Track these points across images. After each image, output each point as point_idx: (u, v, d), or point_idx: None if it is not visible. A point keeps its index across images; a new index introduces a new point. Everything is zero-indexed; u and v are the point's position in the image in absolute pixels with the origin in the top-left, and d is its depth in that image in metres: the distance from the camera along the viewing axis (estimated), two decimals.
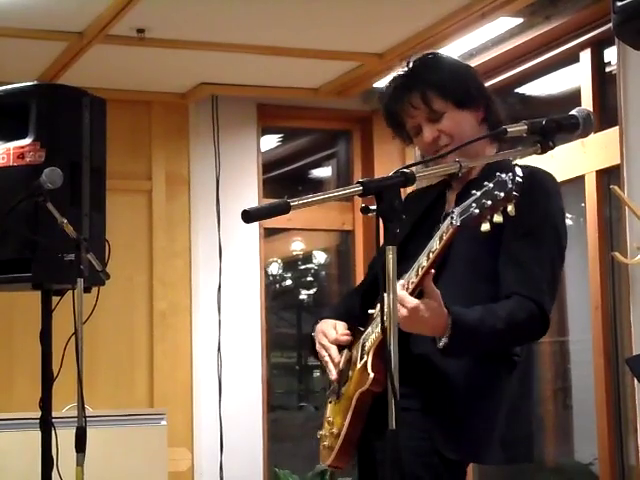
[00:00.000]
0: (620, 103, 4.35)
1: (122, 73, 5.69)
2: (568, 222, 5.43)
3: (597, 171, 4.77)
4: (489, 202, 2.08)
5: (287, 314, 7.25)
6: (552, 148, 2.13)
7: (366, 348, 2.60)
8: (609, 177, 4.71)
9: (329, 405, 2.73)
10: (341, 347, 2.71)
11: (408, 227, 2.66)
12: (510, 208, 2.07)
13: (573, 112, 2.17)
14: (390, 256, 1.89)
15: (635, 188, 4.26)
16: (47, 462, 3.54)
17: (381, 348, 2.51)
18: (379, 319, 2.52)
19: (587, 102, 4.80)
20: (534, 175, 2.59)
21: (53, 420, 3.57)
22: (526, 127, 2.10)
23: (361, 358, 2.61)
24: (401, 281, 2.42)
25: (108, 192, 3.80)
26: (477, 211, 2.11)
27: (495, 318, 2.45)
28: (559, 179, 4.97)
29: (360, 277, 6.45)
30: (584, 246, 4.85)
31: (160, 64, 5.57)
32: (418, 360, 2.53)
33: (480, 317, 2.44)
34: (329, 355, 2.69)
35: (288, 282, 7.22)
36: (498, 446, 2.55)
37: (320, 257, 7.16)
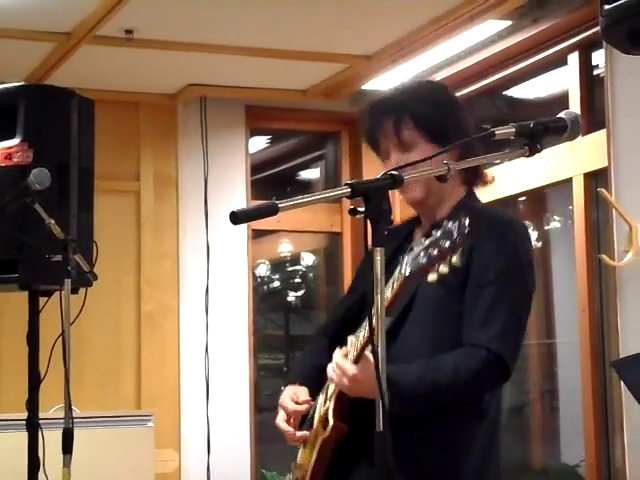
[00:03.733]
0: (608, 106, 4.36)
1: (110, 74, 5.68)
2: (556, 225, 5.48)
3: (585, 174, 4.78)
4: (435, 252, 2.05)
5: (275, 316, 7.25)
6: (540, 151, 2.12)
7: (329, 393, 2.58)
8: (597, 180, 4.72)
9: (299, 450, 2.72)
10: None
11: (360, 291, 2.67)
12: (455, 259, 2.04)
13: (561, 115, 2.17)
14: (378, 258, 1.88)
15: (622, 191, 4.27)
16: (34, 463, 3.53)
17: (343, 394, 2.50)
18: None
19: (575, 105, 4.81)
20: (505, 221, 2.59)
21: (40, 421, 3.57)
22: (514, 130, 2.09)
23: (324, 403, 2.60)
24: (341, 350, 2.42)
25: (96, 193, 3.80)
26: (425, 260, 2.08)
27: (437, 373, 2.42)
28: (547, 182, 5.05)
29: (348, 278, 6.45)
30: (571, 249, 4.86)
31: (148, 65, 5.57)
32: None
33: (419, 374, 2.41)
34: (289, 435, 2.68)
35: (276, 284, 7.22)
36: None
37: (308, 259, 7.16)
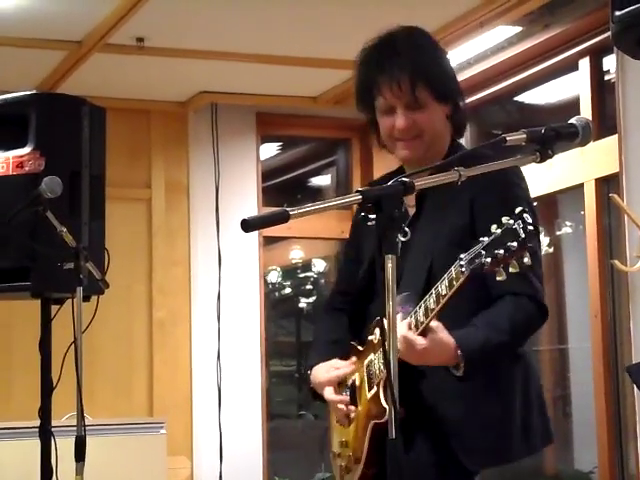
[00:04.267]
0: (619, 111, 4.35)
1: (121, 82, 5.69)
2: (567, 230, 5.47)
3: (596, 179, 4.77)
4: (501, 252, 2.07)
5: (286, 322, 7.26)
6: (551, 157, 2.12)
7: (373, 378, 2.59)
8: (608, 185, 4.72)
9: (337, 427, 2.72)
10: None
11: (367, 262, 2.67)
12: (526, 259, 2.07)
13: (572, 121, 2.17)
14: (389, 265, 1.88)
15: (634, 196, 4.26)
16: (46, 471, 3.53)
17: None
18: (381, 350, 2.53)
19: (586, 110, 4.80)
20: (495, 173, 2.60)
21: (52, 429, 3.56)
22: (525, 136, 2.09)
23: (369, 387, 2.60)
24: (406, 320, 2.41)
25: (107, 200, 3.80)
26: (489, 260, 2.10)
27: (500, 333, 2.45)
28: (558, 187, 5.04)
29: None
30: (583, 254, 4.85)
31: (159, 73, 5.58)
32: (422, 375, 2.53)
33: (485, 337, 2.43)
34: (343, 406, 2.67)
35: (287, 290, 7.22)
36: (518, 440, 2.57)
37: (319, 265, 7.16)
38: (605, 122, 4.74)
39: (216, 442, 5.99)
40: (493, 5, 4.58)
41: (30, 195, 3.39)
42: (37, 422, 3.59)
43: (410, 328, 2.40)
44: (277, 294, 7.18)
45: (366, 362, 2.64)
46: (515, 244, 2.06)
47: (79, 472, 3.34)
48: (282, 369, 7.19)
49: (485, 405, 2.56)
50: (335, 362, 2.72)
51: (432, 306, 2.36)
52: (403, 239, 2.56)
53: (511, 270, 2.09)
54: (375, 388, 2.57)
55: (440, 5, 4.65)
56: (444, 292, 2.31)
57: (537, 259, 2.56)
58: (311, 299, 7.26)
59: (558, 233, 5.63)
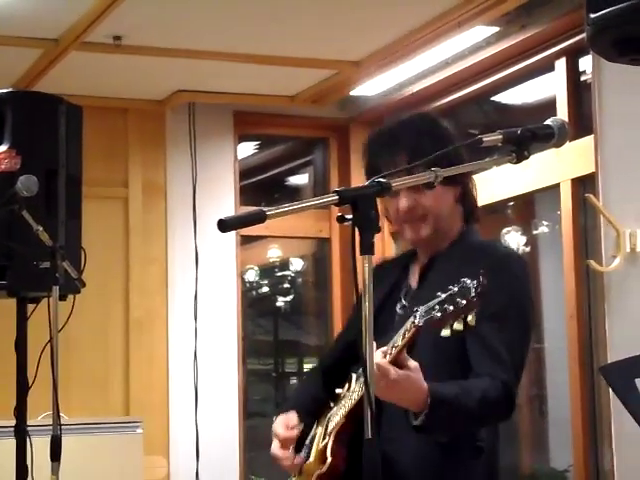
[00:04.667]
0: (595, 111, 4.37)
1: (98, 80, 5.67)
2: (544, 230, 5.49)
3: (572, 179, 4.79)
4: (451, 308, 2.08)
5: (264, 321, 7.25)
6: (527, 157, 2.13)
7: (329, 429, 2.59)
8: (584, 185, 4.74)
9: (292, 479, 2.72)
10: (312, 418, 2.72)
11: (376, 304, 2.64)
12: (470, 318, 2.07)
13: (548, 122, 2.17)
14: (366, 265, 1.88)
15: (610, 196, 4.28)
16: (22, 471, 3.52)
17: (342, 433, 2.52)
18: (344, 401, 2.57)
19: (562, 110, 4.83)
20: (503, 256, 2.60)
21: (28, 428, 3.56)
22: (501, 137, 2.10)
23: (323, 438, 2.60)
24: (382, 349, 2.37)
25: (84, 199, 3.80)
26: (439, 315, 2.11)
27: (469, 398, 2.41)
28: (534, 187, 5.07)
29: (336, 284, 6.46)
30: (559, 254, 4.87)
31: (137, 71, 5.57)
32: (384, 445, 2.49)
33: (456, 396, 2.39)
34: (286, 459, 2.69)
35: (265, 289, 7.21)
36: None
37: (297, 264, 7.16)
38: (581, 122, 4.76)
39: (193, 441, 5.98)
40: (471, 5, 4.59)
41: (6, 194, 3.38)
42: (12, 421, 3.58)
43: (384, 357, 2.37)
44: (254, 293, 7.17)
45: (328, 415, 2.64)
46: (464, 302, 2.06)
47: (54, 472, 3.33)
48: (259, 368, 7.18)
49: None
50: (292, 418, 2.70)
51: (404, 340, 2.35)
52: (400, 312, 2.60)
53: (455, 327, 2.09)
54: (326, 439, 2.57)
55: (418, 5, 4.66)
56: (398, 342, 2.30)
57: (520, 353, 2.54)
58: (289, 298, 7.25)
59: (534, 233, 5.65)
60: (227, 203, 6.19)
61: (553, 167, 4.84)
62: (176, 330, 6.09)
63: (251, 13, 4.75)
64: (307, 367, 7.14)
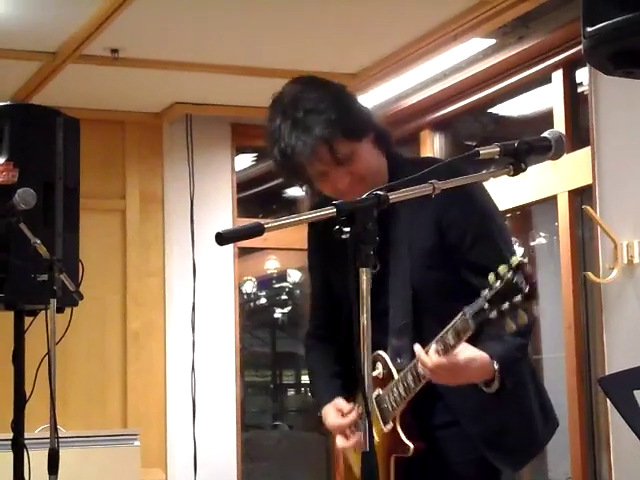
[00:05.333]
0: (592, 123, 4.38)
1: (96, 93, 5.68)
2: (541, 241, 5.49)
3: (569, 191, 4.80)
4: (506, 305, 2.08)
5: (261, 333, 7.26)
6: (524, 170, 2.14)
7: (386, 413, 2.60)
8: (581, 197, 4.74)
9: (352, 455, 2.76)
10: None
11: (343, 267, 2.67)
12: (534, 309, 2.10)
13: (545, 134, 2.18)
14: (364, 278, 1.89)
15: (607, 208, 4.29)
16: None
17: (403, 417, 2.57)
18: (395, 384, 2.57)
19: (559, 122, 4.84)
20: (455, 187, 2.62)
21: (25, 441, 3.55)
22: (498, 149, 2.10)
23: (384, 422, 2.61)
24: (433, 347, 2.40)
25: (82, 212, 3.79)
26: (494, 314, 2.11)
27: (512, 340, 2.45)
28: (532, 199, 5.07)
29: None
30: (557, 266, 4.87)
31: (134, 84, 5.58)
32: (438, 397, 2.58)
33: (506, 346, 2.45)
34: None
35: (262, 301, 7.22)
36: (542, 425, 2.68)
37: (294, 276, 7.16)
38: (578, 134, 4.77)
39: (190, 453, 5.97)
40: (467, 18, 4.60)
41: (3, 206, 3.38)
42: (10, 434, 3.58)
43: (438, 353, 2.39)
44: (252, 304, 7.18)
45: (374, 396, 2.63)
46: (519, 298, 2.05)
47: None
48: (257, 379, 7.19)
49: (505, 408, 2.57)
50: (340, 404, 2.72)
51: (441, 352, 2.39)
52: (373, 271, 2.60)
53: (519, 321, 2.10)
54: (391, 423, 2.59)
55: (415, 17, 4.67)
56: (452, 342, 2.34)
57: (507, 243, 2.62)
58: (286, 309, 7.25)
59: (532, 244, 5.66)
60: (225, 215, 6.19)
61: (550, 179, 4.85)
62: (174, 342, 6.09)
63: (248, 26, 4.76)
64: (305, 379, 7.13)
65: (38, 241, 3.34)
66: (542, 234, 5.59)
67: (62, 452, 3.36)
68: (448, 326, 2.32)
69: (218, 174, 6.24)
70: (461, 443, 2.61)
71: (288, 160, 2.62)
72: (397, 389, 2.56)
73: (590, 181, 4.42)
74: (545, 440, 2.75)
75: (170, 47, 5.04)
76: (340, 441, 2.73)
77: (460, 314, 2.25)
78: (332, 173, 2.59)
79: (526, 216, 5.60)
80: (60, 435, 3.38)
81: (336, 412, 2.72)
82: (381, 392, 2.63)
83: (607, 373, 4.14)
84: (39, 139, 3.68)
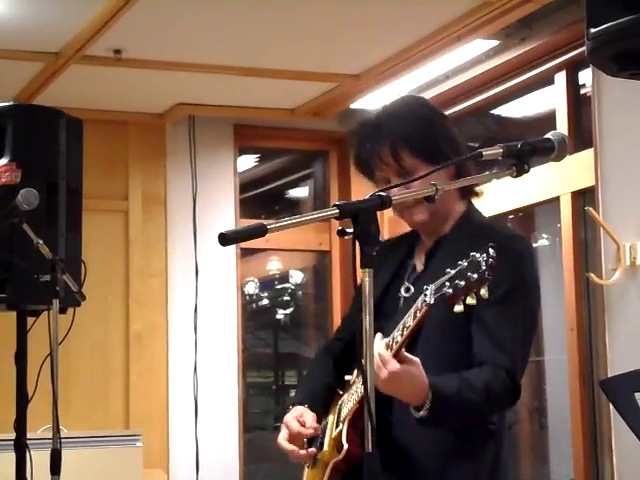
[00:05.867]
0: (595, 125, 4.38)
1: (99, 93, 5.68)
2: (544, 242, 5.49)
3: (572, 192, 4.80)
4: (462, 283, 2.09)
5: (264, 334, 7.25)
6: (527, 171, 2.13)
7: (342, 416, 2.59)
8: (584, 198, 4.74)
9: (306, 469, 2.72)
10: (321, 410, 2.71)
11: (381, 286, 2.64)
12: (483, 291, 2.09)
13: (548, 135, 2.18)
14: (366, 279, 1.88)
15: (610, 210, 4.29)
16: None
17: (356, 419, 2.50)
18: (355, 387, 2.56)
19: (562, 124, 4.83)
20: (509, 236, 2.59)
21: (28, 442, 3.55)
22: (502, 150, 2.10)
23: (337, 425, 2.60)
24: (384, 340, 2.38)
25: (84, 212, 3.79)
26: (450, 291, 2.12)
27: (472, 391, 2.41)
28: (535, 200, 5.07)
29: (336, 296, 6.46)
30: (559, 267, 4.87)
31: (137, 84, 5.58)
32: (396, 430, 2.52)
33: (458, 389, 2.40)
34: (292, 453, 2.67)
35: (265, 302, 7.21)
36: None
37: (297, 277, 7.16)
38: (581, 136, 4.77)
39: (192, 454, 5.97)
40: (470, 19, 4.60)
41: (6, 207, 3.38)
42: (12, 435, 3.58)
43: (387, 348, 2.37)
44: (254, 305, 7.17)
45: (339, 402, 2.64)
46: (475, 276, 2.07)
47: None
48: (259, 381, 7.18)
49: (454, 466, 2.52)
50: (307, 417, 2.68)
51: (398, 339, 2.35)
52: (406, 295, 2.57)
53: (468, 301, 2.10)
54: (340, 426, 2.57)
55: (418, 18, 4.67)
56: (408, 324, 2.31)
57: (524, 337, 2.54)
58: (288, 310, 7.25)
59: (534, 245, 5.65)
60: (227, 216, 6.19)
61: (553, 180, 4.85)
62: (176, 343, 6.09)
63: (251, 27, 4.76)
64: None
65: (41, 241, 3.35)
66: (545, 235, 5.59)
67: (64, 452, 3.36)
68: (411, 308, 2.31)
69: (221, 175, 6.24)
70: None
71: (360, 154, 2.68)
72: (355, 390, 2.56)
73: (593, 183, 4.42)
74: None
75: (173, 48, 5.04)
76: (283, 439, 2.66)
77: (423, 292, 2.24)
78: (393, 181, 2.60)
79: (529, 217, 5.60)
80: (62, 435, 3.38)
81: (298, 415, 2.68)
82: (345, 396, 2.62)
83: (609, 375, 4.14)
84: (42, 139, 3.68)
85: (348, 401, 2.60)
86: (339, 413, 2.62)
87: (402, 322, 2.34)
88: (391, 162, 2.60)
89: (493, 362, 2.46)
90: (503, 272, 2.36)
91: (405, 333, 2.32)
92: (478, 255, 2.09)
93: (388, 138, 2.60)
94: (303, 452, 2.63)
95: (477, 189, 2.72)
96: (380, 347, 2.37)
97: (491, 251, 2.08)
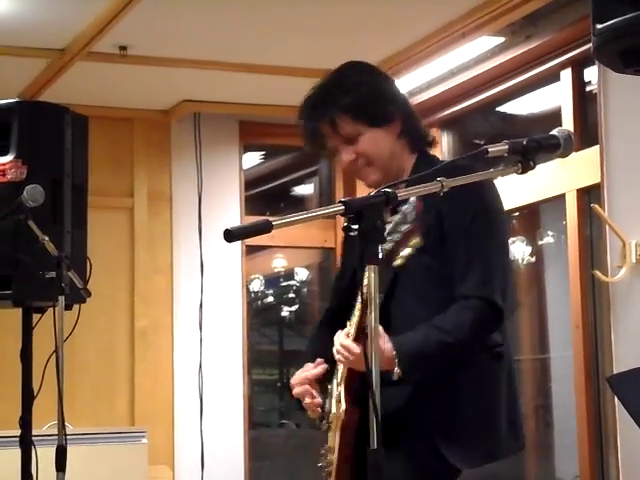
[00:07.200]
0: (600, 122, 4.37)
1: (104, 90, 5.69)
2: (549, 240, 5.49)
3: (578, 190, 4.79)
4: (398, 236, 2.15)
5: (269, 331, 7.25)
6: (532, 168, 2.13)
7: (339, 379, 2.65)
8: (590, 196, 4.73)
9: (329, 434, 2.76)
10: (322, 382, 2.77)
11: (351, 269, 2.72)
12: (414, 241, 2.16)
13: (554, 132, 2.17)
14: (372, 275, 1.88)
15: (615, 207, 4.28)
16: None
17: (347, 379, 2.60)
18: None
19: (568, 121, 4.83)
20: (462, 170, 2.61)
21: (33, 438, 3.55)
22: (507, 147, 2.10)
23: (337, 387, 2.67)
24: (344, 331, 2.51)
25: (90, 209, 3.80)
26: (389, 246, 2.19)
27: (439, 332, 2.50)
28: (540, 197, 5.06)
29: None
30: (565, 264, 4.86)
31: (142, 81, 5.58)
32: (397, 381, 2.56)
33: (424, 338, 2.49)
34: (308, 401, 2.73)
35: (270, 299, 7.22)
36: (506, 437, 2.63)
37: (302, 274, 7.16)
38: (587, 133, 4.76)
39: (198, 451, 5.98)
40: (475, 16, 4.60)
41: (12, 203, 3.38)
42: (18, 431, 3.58)
43: (348, 336, 2.49)
44: (260, 303, 7.17)
45: (338, 367, 2.69)
46: (405, 227, 2.13)
47: None
48: (264, 378, 7.19)
49: (467, 405, 2.58)
50: (306, 366, 2.77)
51: (354, 320, 2.47)
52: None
53: (404, 253, 2.17)
54: (338, 388, 2.64)
55: (423, 15, 4.66)
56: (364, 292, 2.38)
57: (497, 259, 2.62)
58: (294, 307, 7.25)
59: (540, 243, 5.65)
60: (232, 213, 6.19)
61: (558, 177, 4.84)
62: (181, 340, 6.09)
63: (256, 23, 4.76)
64: None
65: (46, 238, 3.35)
66: (550, 233, 5.58)
67: (69, 449, 3.37)
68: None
69: (226, 172, 6.24)
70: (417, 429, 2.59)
71: (307, 128, 2.81)
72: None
73: (598, 180, 4.41)
74: (505, 452, 2.68)
75: (179, 45, 5.05)
76: (294, 380, 2.74)
77: None
78: (342, 149, 2.74)
79: (534, 214, 5.59)
80: (68, 432, 3.39)
81: (301, 371, 2.76)
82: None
83: (615, 372, 4.13)
84: (47, 136, 3.68)
85: (340, 364, 2.66)
86: (337, 375, 2.68)
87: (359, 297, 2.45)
88: (332, 134, 2.72)
89: (464, 295, 2.54)
90: (464, 206, 2.52)
91: (356, 314, 2.44)
92: (405, 206, 2.14)
93: (327, 109, 2.71)
94: (308, 400, 2.71)
95: (429, 138, 2.81)
96: (341, 338, 2.51)
97: (412, 198, 2.10)
